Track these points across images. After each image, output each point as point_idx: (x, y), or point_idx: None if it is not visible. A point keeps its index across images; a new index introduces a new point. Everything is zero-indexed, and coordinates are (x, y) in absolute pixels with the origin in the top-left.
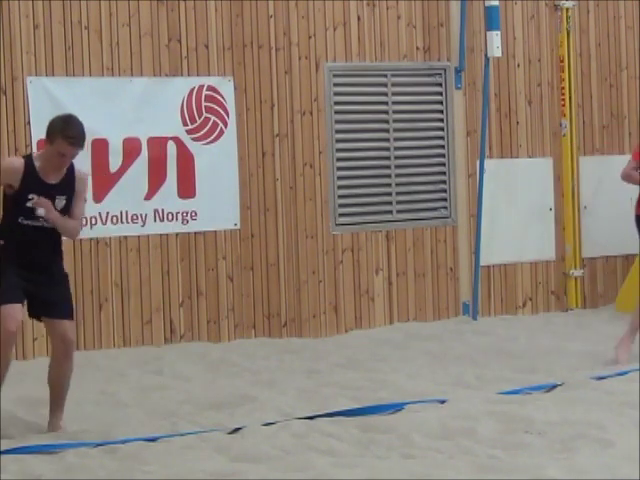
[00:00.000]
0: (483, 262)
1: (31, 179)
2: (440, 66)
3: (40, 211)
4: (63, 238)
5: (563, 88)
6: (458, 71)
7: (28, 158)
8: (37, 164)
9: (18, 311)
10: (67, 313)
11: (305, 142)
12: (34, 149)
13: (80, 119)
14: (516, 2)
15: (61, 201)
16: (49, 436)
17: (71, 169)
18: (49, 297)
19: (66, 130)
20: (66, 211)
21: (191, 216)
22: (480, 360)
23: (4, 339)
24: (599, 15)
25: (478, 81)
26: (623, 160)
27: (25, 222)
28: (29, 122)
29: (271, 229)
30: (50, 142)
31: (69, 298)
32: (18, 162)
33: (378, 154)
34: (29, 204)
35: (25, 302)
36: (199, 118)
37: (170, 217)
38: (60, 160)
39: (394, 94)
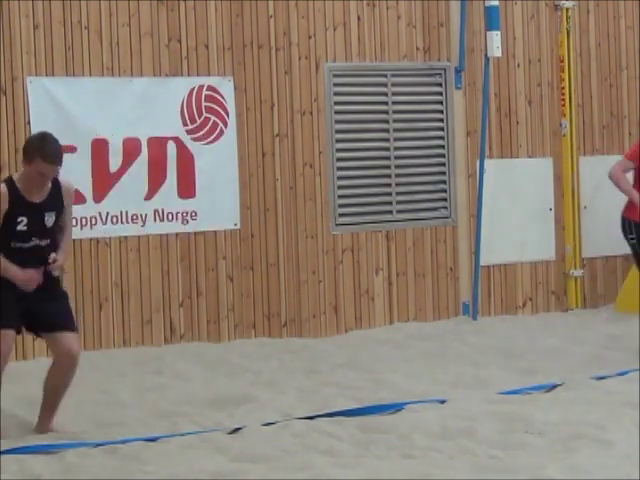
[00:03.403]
0: (483, 262)
1: (17, 202)
2: (440, 66)
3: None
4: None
5: (563, 88)
6: (458, 71)
7: (9, 181)
8: (19, 185)
9: (11, 337)
10: (71, 325)
11: (305, 142)
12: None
13: (80, 119)
14: (516, 2)
15: (51, 217)
16: (49, 436)
17: (56, 183)
18: (50, 312)
19: (43, 149)
20: (56, 225)
21: (191, 216)
22: (480, 360)
23: None
24: (599, 15)
25: (478, 81)
26: None
27: (17, 245)
28: (29, 122)
29: (271, 229)
30: (29, 163)
31: (71, 312)
32: (2, 188)
33: (378, 154)
34: (20, 228)
35: (22, 324)
36: (199, 118)
37: (170, 217)
38: (41, 179)
39: (394, 94)
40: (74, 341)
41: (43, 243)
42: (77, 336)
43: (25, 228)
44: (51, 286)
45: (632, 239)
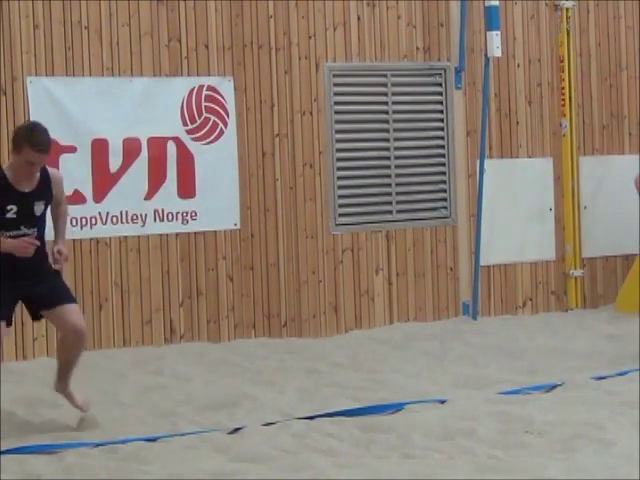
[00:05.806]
0: (483, 262)
1: (6, 191)
2: (440, 66)
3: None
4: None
5: (563, 88)
6: (458, 71)
7: None
8: (8, 175)
9: (2, 328)
10: (69, 297)
11: (305, 142)
12: None
13: (79, 119)
14: (516, 2)
15: (40, 206)
16: (49, 436)
17: (45, 173)
18: (46, 290)
19: (32, 139)
20: (44, 214)
21: (191, 216)
22: (480, 360)
23: None
24: (599, 15)
25: (478, 81)
26: (623, 160)
27: (6, 233)
28: None
29: (271, 229)
30: (17, 152)
31: (66, 285)
32: None
33: (378, 154)
34: (9, 215)
35: (14, 314)
36: (199, 118)
37: (170, 217)
38: (30, 168)
39: (394, 94)
40: (76, 313)
41: (31, 232)
42: (77, 307)
43: (14, 216)
44: (42, 268)
45: None
